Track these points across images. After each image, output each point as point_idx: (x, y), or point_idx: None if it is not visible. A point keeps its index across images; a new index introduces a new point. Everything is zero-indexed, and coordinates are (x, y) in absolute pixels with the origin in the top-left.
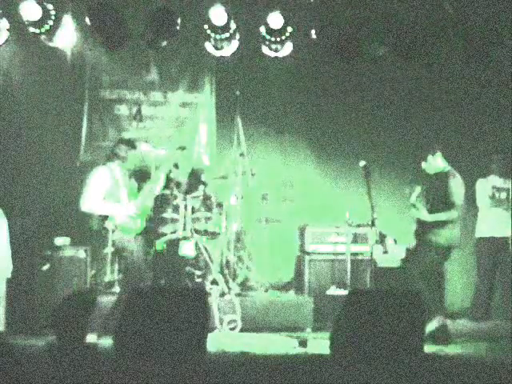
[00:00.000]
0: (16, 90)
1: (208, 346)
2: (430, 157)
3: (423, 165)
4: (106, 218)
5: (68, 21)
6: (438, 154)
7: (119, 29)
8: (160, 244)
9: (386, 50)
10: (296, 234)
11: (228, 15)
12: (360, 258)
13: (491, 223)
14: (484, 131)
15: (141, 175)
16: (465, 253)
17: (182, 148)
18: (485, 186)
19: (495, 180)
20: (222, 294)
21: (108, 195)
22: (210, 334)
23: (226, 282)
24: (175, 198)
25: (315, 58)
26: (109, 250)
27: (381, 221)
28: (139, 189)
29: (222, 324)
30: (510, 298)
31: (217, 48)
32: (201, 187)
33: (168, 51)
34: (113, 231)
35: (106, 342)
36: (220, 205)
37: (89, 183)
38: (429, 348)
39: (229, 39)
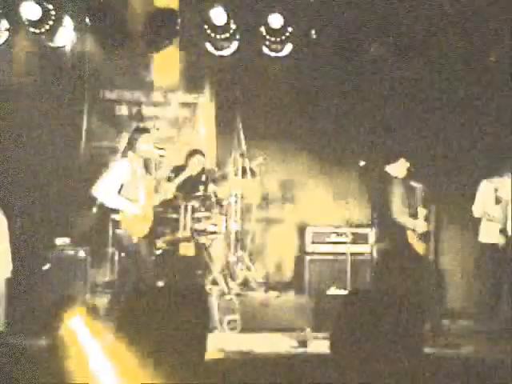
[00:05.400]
0: (16, 90)
1: (208, 346)
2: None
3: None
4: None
5: (68, 21)
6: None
7: (119, 29)
8: (160, 244)
9: (385, 50)
10: (296, 234)
11: (228, 15)
12: (360, 258)
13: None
14: (484, 131)
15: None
16: (465, 253)
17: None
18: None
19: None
20: (222, 294)
21: (125, 188)
22: (209, 334)
23: (226, 282)
24: (175, 198)
25: (315, 58)
26: (109, 248)
27: None
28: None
29: (221, 324)
30: (510, 298)
31: (217, 48)
32: (201, 187)
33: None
34: (116, 227)
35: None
36: (220, 205)
37: (108, 173)
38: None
39: (229, 39)
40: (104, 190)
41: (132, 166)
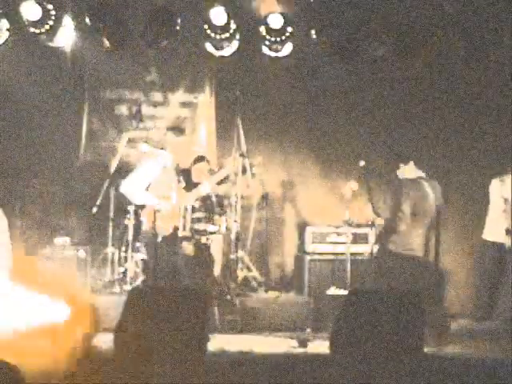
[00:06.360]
0: (16, 90)
1: (208, 346)
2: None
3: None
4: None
5: (68, 21)
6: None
7: (119, 29)
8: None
9: (385, 50)
10: (296, 234)
11: (228, 15)
12: (360, 258)
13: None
14: (484, 131)
15: None
16: (465, 253)
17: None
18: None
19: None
20: (222, 294)
21: (156, 184)
22: (210, 334)
23: (226, 282)
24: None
25: (315, 58)
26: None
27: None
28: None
29: (222, 324)
30: (509, 298)
31: (217, 48)
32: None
33: (168, 51)
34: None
35: (106, 342)
36: (220, 205)
37: (138, 168)
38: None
39: (229, 39)
40: (131, 187)
41: (163, 164)
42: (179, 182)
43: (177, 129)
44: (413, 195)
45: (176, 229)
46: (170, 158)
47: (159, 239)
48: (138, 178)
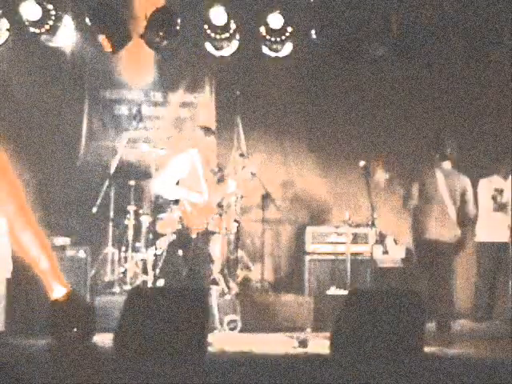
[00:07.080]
0: (16, 90)
1: (208, 346)
2: None
3: None
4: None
5: (68, 21)
6: None
7: (119, 29)
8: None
9: (385, 50)
10: (296, 234)
11: (228, 15)
12: (360, 258)
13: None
14: (484, 131)
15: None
16: (465, 253)
17: None
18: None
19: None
20: (222, 294)
21: (184, 182)
22: (210, 334)
23: (226, 282)
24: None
25: (315, 57)
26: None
27: (381, 221)
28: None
29: (222, 324)
30: (509, 298)
31: (217, 48)
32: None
33: (168, 51)
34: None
35: (106, 342)
36: (220, 205)
37: (166, 167)
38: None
39: (229, 39)
40: (161, 184)
41: (192, 162)
42: (214, 174)
43: (207, 129)
44: (422, 177)
45: (208, 226)
46: (198, 155)
47: (194, 235)
48: (167, 175)
